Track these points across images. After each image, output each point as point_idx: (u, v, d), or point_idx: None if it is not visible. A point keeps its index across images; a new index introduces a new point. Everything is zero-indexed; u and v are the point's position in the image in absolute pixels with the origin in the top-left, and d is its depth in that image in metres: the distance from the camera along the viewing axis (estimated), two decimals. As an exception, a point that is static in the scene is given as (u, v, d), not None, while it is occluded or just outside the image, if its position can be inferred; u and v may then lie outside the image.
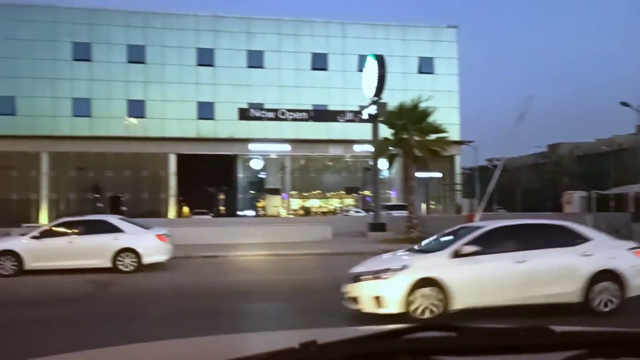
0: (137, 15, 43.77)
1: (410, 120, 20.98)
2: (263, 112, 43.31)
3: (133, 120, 43.56)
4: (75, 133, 42.01)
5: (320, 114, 44.36)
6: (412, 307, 7.84)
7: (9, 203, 42.12)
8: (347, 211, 45.21)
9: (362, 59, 45.10)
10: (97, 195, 44.29)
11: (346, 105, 44.78)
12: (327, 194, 51.10)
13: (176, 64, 43.92)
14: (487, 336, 1.02)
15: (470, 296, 8.04)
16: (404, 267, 8.20)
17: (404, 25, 48.28)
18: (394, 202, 41.55)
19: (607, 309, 8.22)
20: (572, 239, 8.69)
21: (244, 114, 43.25)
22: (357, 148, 44.85)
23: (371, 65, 26.43)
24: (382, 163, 27.18)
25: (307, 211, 48.54)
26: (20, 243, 14.39)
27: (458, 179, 47.70)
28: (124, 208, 41.73)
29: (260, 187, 48.84)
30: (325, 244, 21.16)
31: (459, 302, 7.94)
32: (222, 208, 55.29)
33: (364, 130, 42.99)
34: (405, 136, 21.49)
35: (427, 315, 7.81)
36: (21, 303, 10.77)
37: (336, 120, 43.54)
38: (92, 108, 42.91)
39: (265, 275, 14.42)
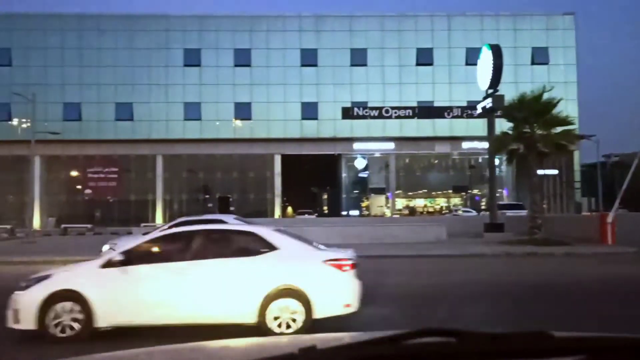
0: (243, 19, 44.83)
1: (533, 113, 19.37)
2: (366, 110, 42.72)
3: (238, 122, 44.58)
4: (186, 136, 43.78)
5: (426, 111, 43.06)
6: (48, 324, 6.77)
7: (128, 204, 44.71)
8: (456, 211, 43.55)
9: (469, 52, 43.49)
10: (207, 196, 45.84)
11: (453, 100, 43.28)
12: (433, 193, 49.56)
13: (280, 66, 44.48)
14: (487, 341, 0.99)
15: (118, 313, 6.88)
16: (46, 277, 7.11)
17: (516, 14, 45.71)
18: (505, 201, 39.36)
19: (288, 331, 6.74)
20: (256, 247, 7.26)
21: (347, 113, 42.92)
22: (465, 145, 43.24)
23: (486, 56, 24.94)
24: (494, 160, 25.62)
25: (412, 211, 47.39)
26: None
27: (577, 176, 44.50)
28: (232, 208, 42.90)
29: (364, 187, 48.27)
30: (440, 245, 20.12)
31: (104, 320, 6.84)
32: (325, 208, 55.38)
33: (471, 127, 41.45)
34: (526, 130, 19.93)
35: (65, 333, 6.76)
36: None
37: (442, 117, 42.07)
38: (202, 112, 44.44)
39: (379, 278, 13.71)
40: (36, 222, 39.61)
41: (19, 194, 42.90)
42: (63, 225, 38.02)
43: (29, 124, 38.16)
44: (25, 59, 43.54)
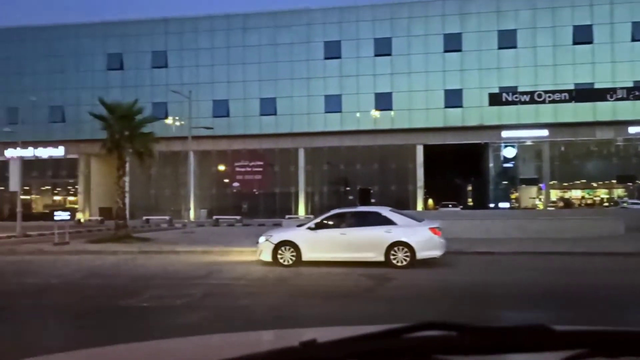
0: (383, 7, 43.94)
1: None
2: (516, 95, 39.61)
3: (379, 113, 43.79)
4: (327, 129, 43.96)
5: (584, 94, 39.01)
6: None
7: (273, 196, 46.04)
8: (622, 203, 39.24)
9: (635, 27, 38.95)
10: (348, 188, 45.77)
11: (616, 81, 38.92)
12: (593, 184, 45.09)
13: (422, 53, 43.04)
14: (487, 335, 0.97)
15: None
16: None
17: (693, -21, 39.99)
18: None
19: None
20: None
21: (495, 99, 40.16)
22: (632, 130, 38.92)
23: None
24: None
25: (567, 203, 43.59)
26: (298, 234, 14.47)
27: None
28: (372, 200, 42.39)
29: (513, 177, 45.12)
30: (618, 241, 17.79)
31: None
32: (469, 200, 52.95)
33: (639, 109, 37.06)
34: None
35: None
36: (309, 295, 10.45)
37: (604, 100, 37.77)
38: (342, 104, 44.36)
39: (554, 278, 12.16)
40: (190, 214, 42.11)
41: (174, 187, 46.00)
42: (215, 217, 40.04)
43: (182, 122, 40.67)
44: (179, 60, 46.46)
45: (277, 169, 46.41)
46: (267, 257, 14.32)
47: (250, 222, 37.85)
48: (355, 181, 45.55)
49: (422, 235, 13.78)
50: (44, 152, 47.75)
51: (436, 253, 13.81)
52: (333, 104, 44.27)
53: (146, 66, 46.96)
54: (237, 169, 46.79)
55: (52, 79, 47.37)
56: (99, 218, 42.66)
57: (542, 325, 0.98)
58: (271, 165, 46.47)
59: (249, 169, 46.62)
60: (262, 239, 14.75)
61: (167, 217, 39.98)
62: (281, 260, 14.14)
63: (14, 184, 27.54)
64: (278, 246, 14.27)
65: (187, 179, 41.19)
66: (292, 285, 11.50)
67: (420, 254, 13.60)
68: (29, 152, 44.08)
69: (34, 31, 48.17)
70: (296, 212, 44.14)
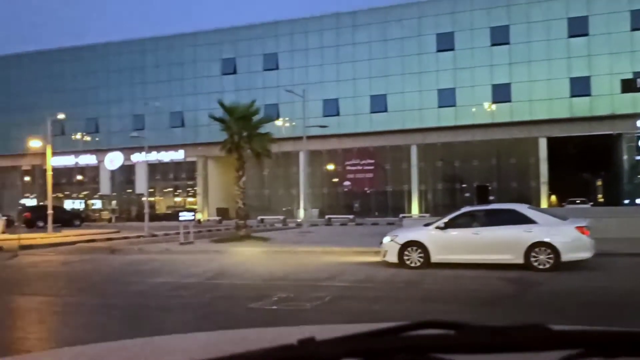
0: (500, -6, 41.67)
1: None
2: (655, 80, 35.92)
3: (496, 106, 41.50)
4: (441, 124, 42.45)
5: None
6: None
7: (385, 195, 45.26)
8: None
9: None
10: (464, 185, 43.96)
11: None
12: None
13: (544, 40, 40.33)
14: (485, 334, 0.95)
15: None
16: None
17: None
18: None
19: None
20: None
21: (628, 86, 36.55)
22: None
23: None
24: None
25: None
26: (426, 234, 13.56)
27: None
28: (491, 197, 40.36)
29: (651, 171, 40.93)
30: None
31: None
32: (599, 196, 48.87)
33: None
34: None
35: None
36: (445, 301, 9.59)
37: None
38: (456, 97, 42.62)
39: None
40: (302, 213, 42.41)
41: (286, 187, 46.59)
42: (327, 216, 40.00)
43: (293, 122, 40.99)
44: (289, 61, 47.01)
45: (388, 166, 45.54)
46: (392, 258, 13.55)
47: (362, 221, 37.37)
48: (471, 178, 43.62)
49: (567, 235, 12.38)
50: (166, 156, 50.29)
51: (584, 255, 12.35)
52: (446, 98, 42.66)
53: (258, 69, 48.00)
54: (348, 167, 46.50)
55: (172, 86, 49.83)
56: (217, 218, 44.19)
57: (539, 324, 0.94)
58: (382, 163, 45.68)
59: (359, 168, 46.17)
60: (386, 239, 14.03)
61: (280, 217, 40.53)
62: (408, 262, 13.32)
63: (141, 186, 28.97)
64: (404, 247, 13.45)
65: (299, 179, 41.49)
66: (424, 290, 10.70)
67: (566, 256, 12.21)
68: (153, 156, 46.55)
69: (155, 42, 50.98)
70: (409, 211, 43.07)
